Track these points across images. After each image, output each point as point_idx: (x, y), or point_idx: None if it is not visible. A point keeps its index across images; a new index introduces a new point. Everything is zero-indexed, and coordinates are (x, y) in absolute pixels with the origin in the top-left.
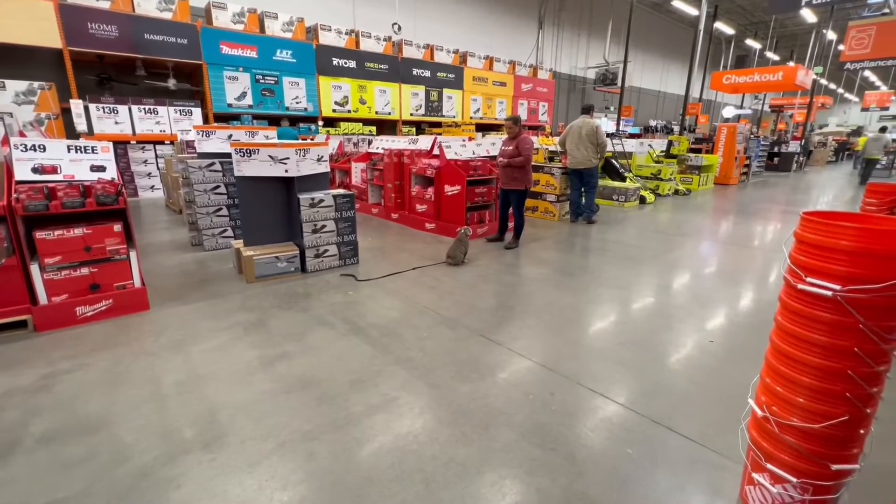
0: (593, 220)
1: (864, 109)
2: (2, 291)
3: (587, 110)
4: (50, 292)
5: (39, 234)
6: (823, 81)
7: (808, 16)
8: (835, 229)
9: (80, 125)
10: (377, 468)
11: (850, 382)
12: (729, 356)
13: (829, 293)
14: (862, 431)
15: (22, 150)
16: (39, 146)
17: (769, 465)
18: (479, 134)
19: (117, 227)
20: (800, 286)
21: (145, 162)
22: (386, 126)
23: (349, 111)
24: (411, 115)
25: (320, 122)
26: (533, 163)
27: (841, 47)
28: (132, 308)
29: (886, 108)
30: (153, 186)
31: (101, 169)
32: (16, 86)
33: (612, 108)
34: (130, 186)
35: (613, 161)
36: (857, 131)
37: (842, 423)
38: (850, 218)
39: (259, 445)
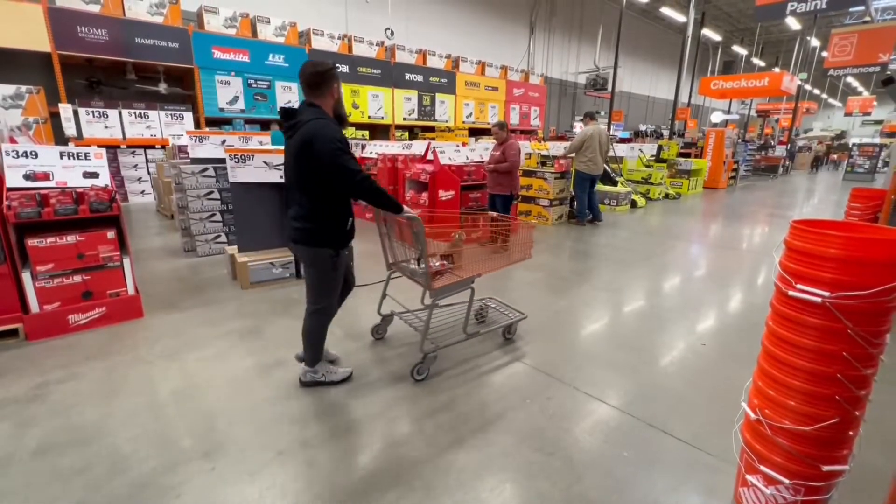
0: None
1: (848, 114)
2: None
3: (593, 116)
4: (42, 300)
5: (31, 242)
6: (808, 87)
7: (793, 23)
8: (823, 238)
9: (70, 129)
10: (377, 475)
11: (840, 385)
12: (721, 359)
13: (819, 299)
14: (851, 433)
15: (14, 157)
16: (31, 152)
17: (762, 467)
18: (472, 138)
19: (111, 234)
20: (790, 292)
21: (136, 167)
22: (378, 130)
23: None
24: (404, 119)
25: None
26: (525, 167)
27: (824, 54)
28: (126, 316)
29: (868, 113)
30: (143, 191)
31: (94, 175)
32: (3, 89)
33: (602, 113)
34: (121, 191)
35: (605, 165)
36: (841, 136)
37: (832, 425)
38: (839, 226)
39: (259, 454)
